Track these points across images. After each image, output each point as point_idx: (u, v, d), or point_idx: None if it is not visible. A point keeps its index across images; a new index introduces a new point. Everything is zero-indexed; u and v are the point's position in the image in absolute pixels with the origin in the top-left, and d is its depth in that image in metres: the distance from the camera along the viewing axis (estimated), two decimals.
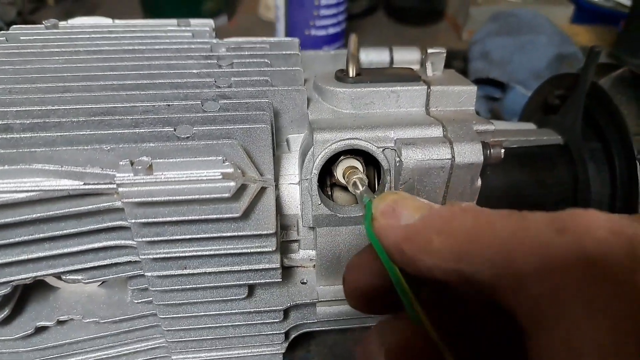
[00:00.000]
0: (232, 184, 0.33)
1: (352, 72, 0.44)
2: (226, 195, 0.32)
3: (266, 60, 0.44)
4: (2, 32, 0.48)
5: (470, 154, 0.39)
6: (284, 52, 0.45)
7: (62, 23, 0.50)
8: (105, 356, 0.45)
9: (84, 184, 0.33)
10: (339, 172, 0.41)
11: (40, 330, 0.42)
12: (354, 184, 0.36)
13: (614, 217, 0.20)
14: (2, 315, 0.39)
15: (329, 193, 0.44)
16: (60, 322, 0.43)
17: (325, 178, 0.44)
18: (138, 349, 0.45)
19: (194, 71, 0.42)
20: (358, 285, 0.27)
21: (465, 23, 1.28)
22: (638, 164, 0.49)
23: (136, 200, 0.32)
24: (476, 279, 0.21)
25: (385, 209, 0.26)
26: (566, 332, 0.18)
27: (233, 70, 0.43)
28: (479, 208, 0.24)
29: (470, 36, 1.12)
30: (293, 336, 0.48)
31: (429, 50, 0.46)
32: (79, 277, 0.38)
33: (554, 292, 0.19)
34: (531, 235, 0.20)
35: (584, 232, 0.19)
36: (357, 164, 0.40)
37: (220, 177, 0.32)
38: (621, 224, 0.19)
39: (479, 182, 0.41)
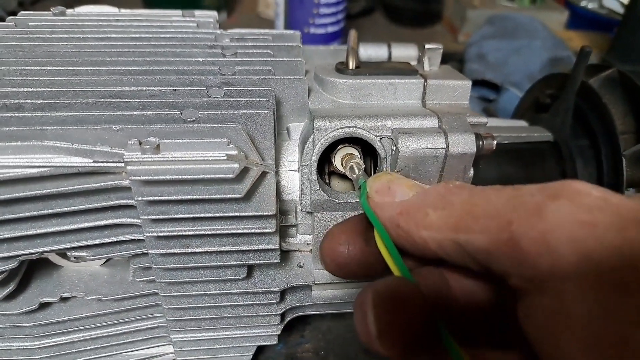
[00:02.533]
0: (236, 165, 0.34)
1: (351, 65, 0.45)
2: (230, 176, 0.34)
3: (269, 51, 0.46)
4: (10, 17, 0.49)
5: (464, 144, 0.40)
6: (286, 44, 0.47)
7: (69, 10, 0.52)
8: (106, 334, 0.46)
9: (94, 161, 0.35)
10: (337, 160, 0.42)
11: (43, 306, 0.44)
12: (351, 168, 0.38)
13: (600, 187, 0.22)
14: (8, 289, 0.40)
15: (327, 181, 0.46)
16: (63, 299, 0.44)
17: (324, 166, 0.45)
18: (138, 328, 0.47)
19: (199, 59, 0.43)
20: (329, 250, 0.31)
21: (462, 26, 1.30)
22: (624, 161, 0.51)
23: (143, 178, 0.34)
24: (471, 247, 0.23)
25: (380, 188, 0.29)
26: (558, 289, 0.20)
27: (237, 59, 0.44)
28: (473, 185, 0.26)
29: (467, 38, 1.14)
30: (289, 319, 0.49)
31: (427, 46, 0.48)
32: (84, 254, 0.40)
33: (547, 251, 0.20)
34: (525, 201, 0.22)
35: (576, 197, 0.21)
36: (355, 151, 0.42)
37: (225, 158, 0.34)
38: (607, 193, 0.21)
39: (472, 172, 0.42)
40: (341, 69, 0.45)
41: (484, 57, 0.97)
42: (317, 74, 0.46)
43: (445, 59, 1.11)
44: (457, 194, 0.25)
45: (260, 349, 0.54)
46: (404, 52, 0.56)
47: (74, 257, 0.45)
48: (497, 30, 1.03)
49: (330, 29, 1.03)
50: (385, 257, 0.28)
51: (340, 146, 0.43)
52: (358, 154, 0.42)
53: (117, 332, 0.46)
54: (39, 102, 0.37)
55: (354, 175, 0.38)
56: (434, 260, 0.27)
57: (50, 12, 0.51)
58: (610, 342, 0.19)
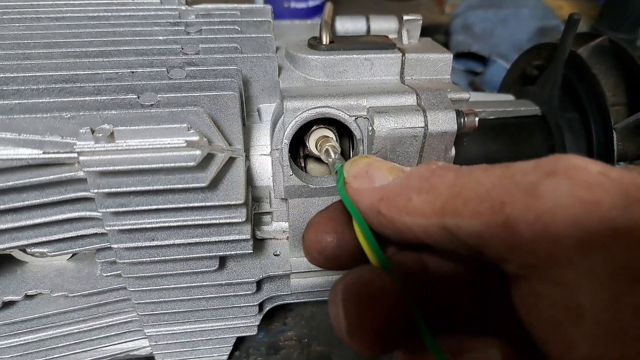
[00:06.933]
0: (198, 152, 0.32)
1: (325, 40, 0.43)
2: (191, 164, 0.31)
3: (236, 27, 0.43)
4: None
5: (444, 122, 0.38)
6: (255, 19, 0.44)
7: None
8: (76, 330, 0.44)
9: (44, 152, 0.32)
10: (311, 142, 0.40)
11: (7, 304, 0.42)
12: (326, 151, 0.36)
13: (598, 162, 0.20)
14: None
15: (302, 165, 0.44)
16: (28, 297, 0.42)
17: (298, 149, 0.43)
18: (110, 323, 0.45)
19: (161, 38, 0.40)
20: (315, 242, 0.29)
21: None
22: (615, 134, 0.49)
23: (98, 169, 0.31)
24: (462, 231, 0.21)
25: (358, 172, 0.27)
26: (561, 276, 0.19)
27: (201, 37, 0.41)
28: (458, 165, 0.24)
29: (453, 10, 1.11)
30: (267, 308, 0.47)
31: (405, 18, 0.45)
32: (45, 250, 0.37)
33: (547, 234, 0.19)
34: (518, 180, 0.20)
35: (574, 173, 0.19)
36: (330, 133, 0.40)
37: (185, 145, 0.31)
38: (606, 167, 0.19)
39: (453, 151, 0.40)
40: (314, 44, 0.43)
41: (470, 28, 0.93)
42: (288, 51, 0.43)
43: (431, 31, 1.07)
44: (442, 175, 0.23)
45: (241, 339, 0.52)
46: (384, 25, 0.53)
47: (38, 253, 0.42)
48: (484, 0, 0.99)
49: (312, 3, 0.99)
50: (363, 246, 0.26)
51: (314, 127, 0.40)
52: (334, 135, 0.40)
53: (88, 328, 0.44)
54: None
55: (330, 160, 0.35)
56: (418, 246, 0.25)
57: None
58: (623, 335, 0.17)
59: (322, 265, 0.29)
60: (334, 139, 0.39)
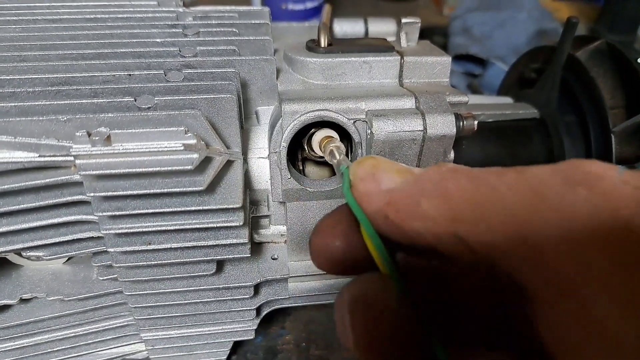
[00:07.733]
0: (195, 155, 0.31)
1: (323, 42, 0.43)
2: (189, 167, 0.31)
3: (234, 30, 0.42)
4: None
5: (443, 125, 0.38)
6: (253, 22, 0.44)
7: None
8: (72, 334, 0.44)
9: (40, 155, 0.32)
10: (314, 144, 0.39)
11: (3, 308, 0.41)
12: (331, 152, 0.34)
13: (612, 165, 0.18)
14: None
15: (301, 168, 0.43)
16: (23, 301, 0.41)
17: (297, 152, 0.43)
18: (106, 327, 0.44)
19: (158, 40, 0.40)
20: (323, 247, 0.26)
21: None
22: (613, 137, 0.49)
23: (94, 172, 0.31)
24: (476, 242, 0.20)
25: (364, 175, 0.25)
26: (589, 300, 0.17)
27: (199, 39, 0.41)
28: (469, 168, 0.22)
29: (451, 11, 1.11)
30: (265, 312, 0.47)
31: (403, 20, 0.45)
32: (40, 254, 0.37)
33: (575, 257, 0.17)
34: (536, 190, 0.19)
35: (595, 183, 0.17)
36: (334, 133, 0.38)
37: (182, 148, 0.31)
38: (627, 173, 0.18)
39: (452, 154, 0.40)
40: (312, 47, 0.42)
41: (468, 30, 0.93)
42: (286, 53, 0.43)
43: (430, 33, 1.07)
44: (453, 179, 0.22)
45: (238, 343, 0.52)
46: (382, 28, 0.53)
47: (34, 256, 0.42)
48: (482, 2, 0.99)
49: (310, 5, 0.99)
50: (372, 252, 0.25)
51: (313, 130, 0.40)
52: (338, 135, 0.39)
53: (84, 332, 0.44)
54: None
55: (334, 161, 0.33)
56: (429, 252, 0.24)
57: None
58: None
59: (330, 270, 0.28)
60: (338, 139, 0.38)
